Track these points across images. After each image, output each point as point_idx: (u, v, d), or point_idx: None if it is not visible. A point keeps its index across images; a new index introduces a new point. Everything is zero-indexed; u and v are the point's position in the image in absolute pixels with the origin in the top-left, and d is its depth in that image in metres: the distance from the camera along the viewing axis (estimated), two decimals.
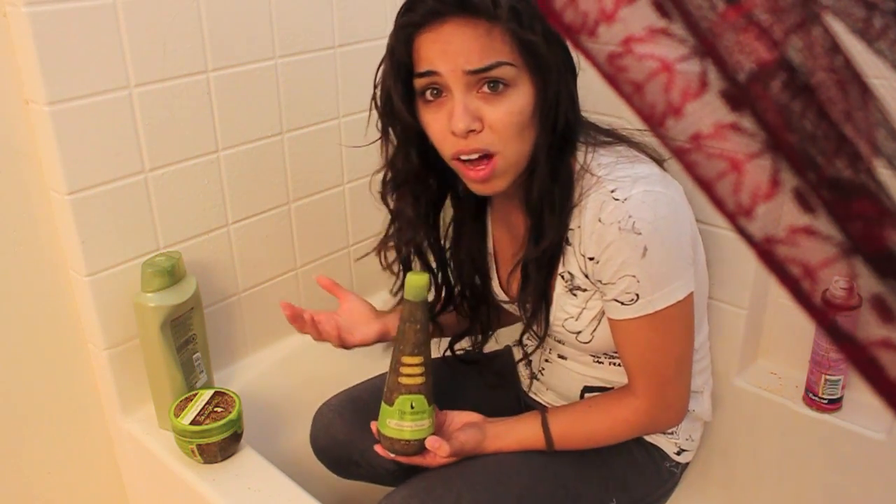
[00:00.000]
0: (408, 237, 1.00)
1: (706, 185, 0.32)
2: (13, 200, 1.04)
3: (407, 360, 0.90)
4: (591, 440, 0.98)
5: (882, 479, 1.13)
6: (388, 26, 1.37)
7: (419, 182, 0.97)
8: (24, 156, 1.03)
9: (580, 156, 0.91)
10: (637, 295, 0.87)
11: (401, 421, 0.91)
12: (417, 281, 0.89)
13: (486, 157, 0.86)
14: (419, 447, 0.93)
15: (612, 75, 0.33)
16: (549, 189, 0.90)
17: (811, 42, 0.30)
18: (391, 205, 1.01)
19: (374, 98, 0.94)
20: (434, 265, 1.06)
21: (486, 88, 0.84)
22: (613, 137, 0.94)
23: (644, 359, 0.92)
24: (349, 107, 1.35)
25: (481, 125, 0.85)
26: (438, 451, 0.92)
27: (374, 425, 0.96)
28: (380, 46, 1.38)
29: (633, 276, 0.86)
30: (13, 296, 1.08)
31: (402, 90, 0.89)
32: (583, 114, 0.95)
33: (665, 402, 0.94)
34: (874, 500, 1.15)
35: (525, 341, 1.05)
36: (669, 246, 0.86)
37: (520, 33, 0.82)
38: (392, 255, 1.03)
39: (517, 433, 0.98)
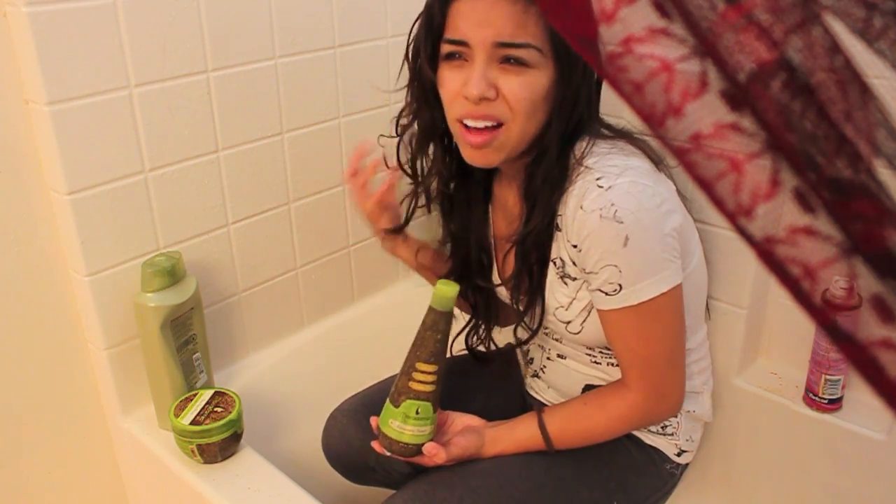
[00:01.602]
0: (429, 181, 1.02)
1: (706, 185, 0.32)
2: (13, 200, 1.04)
3: (422, 366, 0.89)
4: (589, 437, 0.98)
5: (882, 479, 1.13)
6: (389, 26, 1.38)
7: (442, 138, 0.99)
8: (24, 156, 1.03)
9: (579, 145, 0.92)
10: (620, 285, 0.87)
11: (403, 424, 0.91)
12: (447, 291, 0.87)
13: (494, 127, 0.87)
14: (417, 451, 0.93)
15: (612, 75, 0.33)
16: (552, 176, 0.91)
17: (811, 42, 0.30)
18: (411, 153, 1.02)
19: (406, 51, 0.96)
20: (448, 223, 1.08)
21: (506, 63, 0.86)
22: (617, 133, 0.95)
23: (634, 351, 0.92)
24: (349, 107, 1.35)
25: (496, 94, 0.86)
26: (435, 458, 0.92)
27: (374, 420, 0.96)
28: (380, 46, 1.39)
29: (615, 266, 0.86)
30: (13, 296, 1.08)
31: (429, 49, 0.92)
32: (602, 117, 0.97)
33: (659, 394, 0.94)
34: (874, 500, 1.15)
35: (519, 334, 1.05)
36: (652, 237, 0.86)
37: None
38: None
39: (516, 436, 0.98)
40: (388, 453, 0.94)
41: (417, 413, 0.90)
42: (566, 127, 0.89)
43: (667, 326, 0.91)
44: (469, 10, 0.86)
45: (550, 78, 0.86)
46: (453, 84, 0.89)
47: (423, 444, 0.93)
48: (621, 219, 0.84)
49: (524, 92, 0.85)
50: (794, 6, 0.30)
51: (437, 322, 0.88)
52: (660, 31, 0.32)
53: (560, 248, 0.94)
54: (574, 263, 0.92)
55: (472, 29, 0.85)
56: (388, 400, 0.93)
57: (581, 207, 0.86)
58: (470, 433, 0.98)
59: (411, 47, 0.95)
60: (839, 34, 0.31)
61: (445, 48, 0.89)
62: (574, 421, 0.98)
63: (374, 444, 0.96)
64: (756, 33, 0.30)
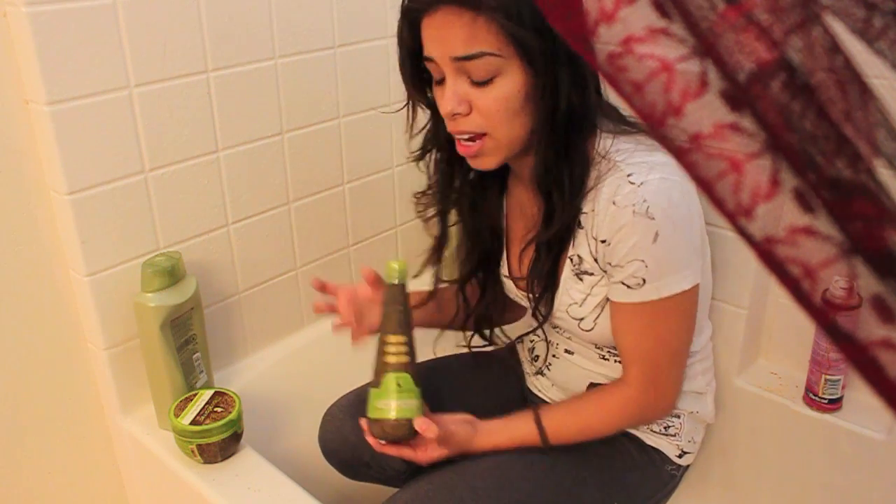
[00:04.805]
0: (440, 196, 1.05)
1: (706, 185, 0.32)
2: (13, 200, 1.04)
3: (391, 338, 0.92)
4: (585, 430, 0.98)
5: (882, 479, 1.13)
6: (389, 26, 1.38)
7: (445, 149, 1.01)
8: (24, 156, 1.03)
9: (599, 142, 0.92)
10: (644, 280, 0.88)
11: (388, 399, 0.91)
12: (396, 265, 0.93)
13: (477, 136, 0.89)
14: (408, 428, 0.91)
15: (612, 75, 0.33)
16: (554, 172, 0.91)
17: (811, 42, 0.30)
18: (430, 165, 1.04)
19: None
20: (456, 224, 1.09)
21: (472, 78, 0.86)
22: (635, 127, 0.94)
23: (640, 346, 0.93)
24: (349, 107, 1.35)
25: (469, 108, 0.87)
26: (426, 432, 0.90)
27: (362, 421, 0.95)
28: (380, 46, 1.39)
29: (642, 261, 0.87)
30: (13, 296, 1.08)
31: (409, 70, 0.93)
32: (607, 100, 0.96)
33: (657, 392, 0.95)
34: (874, 500, 1.15)
35: (531, 322, 1.05)
36: (680, 234, 0.87)
37: (506, 25, 0.83)
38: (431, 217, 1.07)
39: (511, 429, 0.98)
40: (383, 441, 0.93)
41: (399, 385, 0.92)
42: (553, 120, 0.88)
43: (678, 326, 0.92)
44: (429, 26, 0.87)
45: (521, 79, 0.86)
46: (440, 105, 0.91)
47: (411, 420, 0.91)
48: (653, 215, 0.85)
49: (497, 104, 0.86)
50: (794, 6, 0.30)
51: (394, 295, 0.93)
52: (660, 31, 0.32)
53: (580, 246, 0.94)
54: (595, 260, 0.92)
55: (432, 44, 0.87)
56: (370, 388, 0.94)
57: (614, 203, 0.87)
58: (462, 422, 0.97)
59: (400, 67, 0.96)
60: (839, 34, 0.31)
61: (427, 67, 0.91)
62: (570, 414, 0.98)
63: (369, 439, 0.95)
64: (756, 33, 0.30)
